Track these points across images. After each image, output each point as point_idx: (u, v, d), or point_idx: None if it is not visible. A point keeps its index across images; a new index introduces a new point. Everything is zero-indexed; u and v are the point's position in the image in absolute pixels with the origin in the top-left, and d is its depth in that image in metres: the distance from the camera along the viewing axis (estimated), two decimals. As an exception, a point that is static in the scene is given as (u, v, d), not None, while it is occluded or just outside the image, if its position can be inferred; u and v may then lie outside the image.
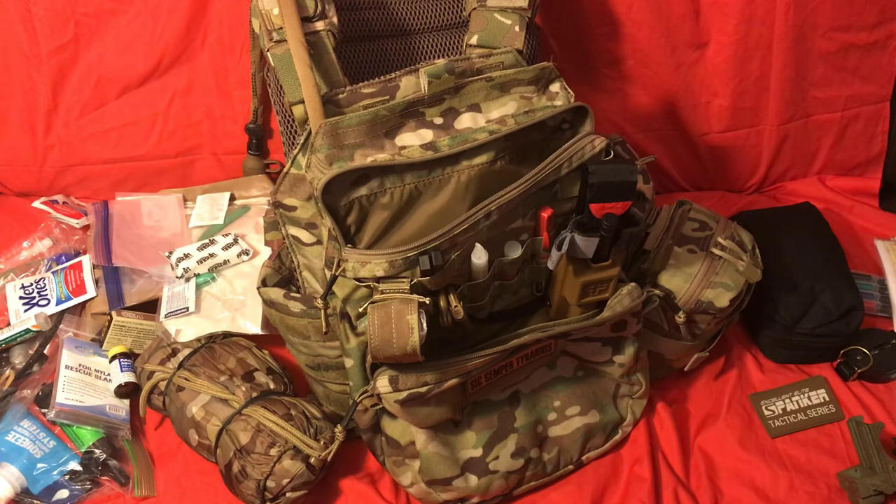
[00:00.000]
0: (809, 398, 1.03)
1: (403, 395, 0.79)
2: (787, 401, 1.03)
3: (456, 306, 0.77)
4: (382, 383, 0.79)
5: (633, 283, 0.87)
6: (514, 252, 0.81)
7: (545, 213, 0.81)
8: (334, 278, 0.76)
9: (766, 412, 1.02)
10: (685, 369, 1.03)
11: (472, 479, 0.88)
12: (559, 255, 0.79)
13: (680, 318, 0.91)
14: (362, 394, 0.83)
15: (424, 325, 0.73)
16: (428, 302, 0.74)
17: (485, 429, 0.88)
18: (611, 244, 0.81)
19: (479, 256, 0.78)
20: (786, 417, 1.01)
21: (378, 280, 0.74)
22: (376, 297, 0.75)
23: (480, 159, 0.75)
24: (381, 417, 0.87)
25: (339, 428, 0.85)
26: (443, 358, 0.80)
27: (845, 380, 1.06)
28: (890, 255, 1.20)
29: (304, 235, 0.83)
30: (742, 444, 0.99)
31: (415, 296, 0.73)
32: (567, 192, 0.81)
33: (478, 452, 0.88)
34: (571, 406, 0.93)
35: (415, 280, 0.74)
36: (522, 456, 0.90)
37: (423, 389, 0.79)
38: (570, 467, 0.95)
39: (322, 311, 0.78)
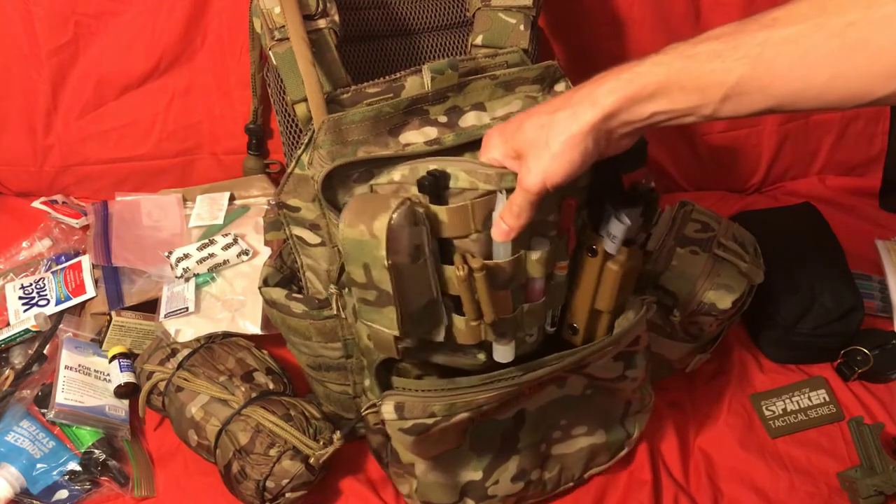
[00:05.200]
0: (810, 398, 1.03)
1: (409, 424, 0.77)
2: (788, 401, 1.03)
3: (474, 258, 0.69)
4: (388, 410, 0.77)
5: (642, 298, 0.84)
6: (543, 246, 0.73)
7: (572, 202, 0.73)
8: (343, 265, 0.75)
9: (767, 412, 1.02)
10: (686, 370, 1.03)
11: None
12: (625, 229, 0.74)
13: (675, 317, 0.91)
14: (368, 408, 0.80)
15: (408, 224, 0.65)
16: (415, 200, 0.67)
17: (487, 450, 0.85)
18: (644, 218, 0.77)
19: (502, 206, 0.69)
20: (786, 418, 1.01)
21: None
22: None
23: None
24: None
25: (337, 435, 0.85)
26: (452, 388, 0.77)
27: (846, 380, 1.06)
28: (890, 255, 1.20)
29: (309, 236, 0.83)
30: (742, 445, 0.99)
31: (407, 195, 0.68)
32: (582, 178, 0.72)
33: (478, 475, 0.86)
34: (578, 426, 0.90)
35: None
36: (523, 479, 0.88)
37: (430, 422, 0.76)
38: (571, 484, 0.94)
39: (334, 297, 0.77)
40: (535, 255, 0.71)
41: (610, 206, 0.74)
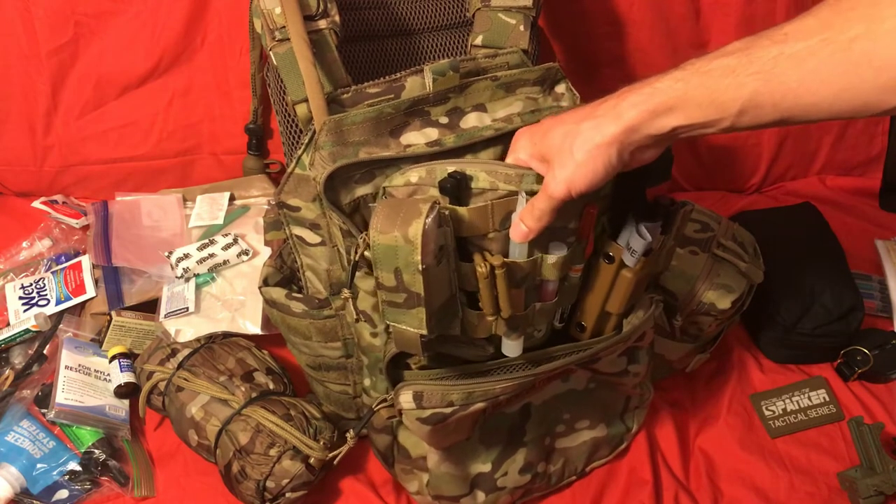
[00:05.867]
0: (810, 398, 1.03)
1: (427, 413, 0.77)
2: (788, 401, 1.03)
3: (493, 256, 0.70)
4: (406, 399, 0.77)
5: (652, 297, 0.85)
6: (560, 251, 0.73)
7: (593, 210, 0.73)
8: (356, 265, 0.74)
9: (767, 412, 1.02)
10: (686, 370, 1.03)
11: (480, 496, 0.88)
12: (646, 246, 0.75)
13: (677, 321, 0.91)
14: (380, 402, 0.81)
15: (437, 229, 0.66)
16: (442, 204, 0.68)
17: (495, 443, 0.87)
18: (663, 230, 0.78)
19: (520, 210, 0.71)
20: (786, 418, 1.01)
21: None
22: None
23: (487, 156, 0.74)
24: (398, 424, 0.86)
25: (350, 433, 0.84)
26: (469, 377, 0.78)
27: (846, 380, 1.06)
28: (890, 255, 1.20)
29: (309, 236, 0.83)
30: (742, 445, 0.99)
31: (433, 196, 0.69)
32: (604, 188, 0.73)
33: (487, 467, 0.87)
34: (581, 419, 0.92)
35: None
36: (530, 471, 0.89)
37: (448, 411, 0.77)
38: (574, 478, 0.95)
39: (350, 301, 0.77)
40: (551, 260, 0.72)
41: (633, 220, 0.75)
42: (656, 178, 0.73)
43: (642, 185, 0.74)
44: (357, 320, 0.79)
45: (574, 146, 0.62)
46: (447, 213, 0.67)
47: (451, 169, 0.68)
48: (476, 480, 0.87)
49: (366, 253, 0.70)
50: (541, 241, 0.70)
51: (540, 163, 0.66)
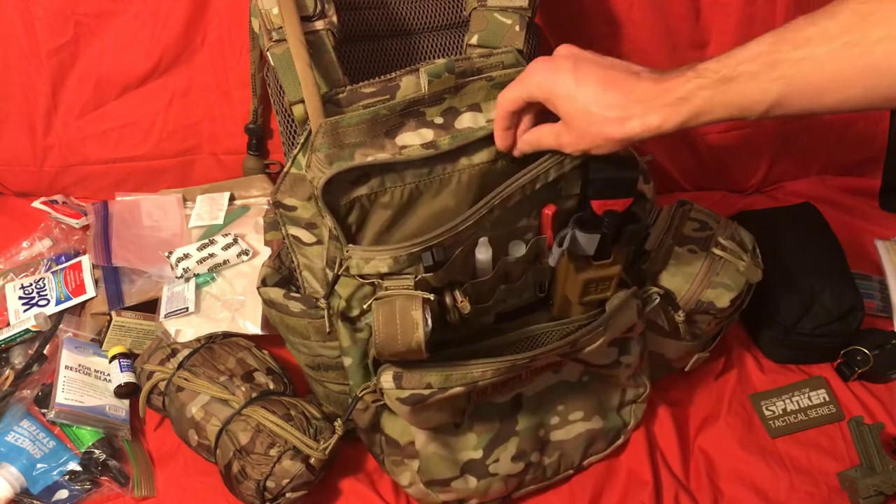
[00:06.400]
0: (810, 398, 1.03)
1: (406, 393, 0.78)
2: (788, 401, 1.03)
3: (462, 301, 0.77)
4: (386, 379, 0.79)
5: (630, 290, 0.87)
6: (519, 251, 0.80)
7: (548, 211, 0.79)
8: (337, 278, 0.76)
9: (767, 412, 1.02)
10: (685, 369, 1.03)
11: (472, 481, 0.88)
12: (560, 252, 0.79)
13: (679, 316, 0.91)
14: (364, 388, 0.82)
15: (430, 321, 0.73)
16: (432, 298, 0.74)
17: (486, 431, 0.88)
18: (612, 242, 0.80)
19: (484, 253, 0.78)
20: (786, 418, 1.01)
21: (382, 277, 0.74)
22: (380, 294, 0.75)
23: (480, 157, 0.74)
24: (382, 415, 0.87)
25: (338, 422, 0.85)
26: (448, 359, 0.79)
27: (846, 380, 1.06)
28: (890, 255, 1.20)
29: (305, 235, 0.83)
30: (742, 445, 0.99)
31: (419, 292, 0.74)
32: (571, 189, 0.80)
33: (478, 454, 0.88)
34: (575, 411, 0.92)
35: (419, 276, 0.74)
36: (523, 459, 0.90)
37: (426, 392, 0.78)
38: (571, 472, 0.95)
39: (325, 312, 0.79)
40: (511, 260, 0.79)
41: (572, 224, 0.78)
42: (605, 193, 0.76)
43: (586, 196, 0.77)
44: (329, 332, 0.81)
45: (593, 130, 0.66)
46: (433, 298, 0.74)
47: (415, 249, 0.73)
48: (467, 466, 0.88)
49: (350, 270, 0.75)
50: (501, 245, 0.79)
51: (552, 105, 0.67)
